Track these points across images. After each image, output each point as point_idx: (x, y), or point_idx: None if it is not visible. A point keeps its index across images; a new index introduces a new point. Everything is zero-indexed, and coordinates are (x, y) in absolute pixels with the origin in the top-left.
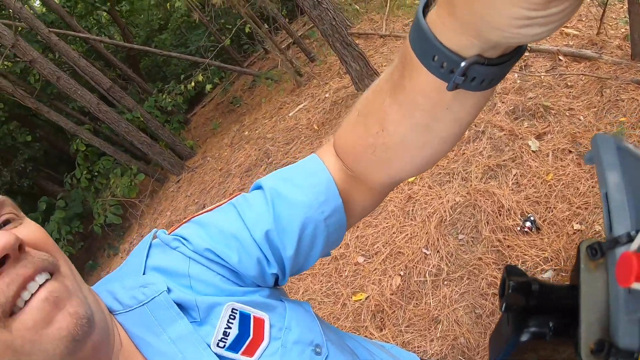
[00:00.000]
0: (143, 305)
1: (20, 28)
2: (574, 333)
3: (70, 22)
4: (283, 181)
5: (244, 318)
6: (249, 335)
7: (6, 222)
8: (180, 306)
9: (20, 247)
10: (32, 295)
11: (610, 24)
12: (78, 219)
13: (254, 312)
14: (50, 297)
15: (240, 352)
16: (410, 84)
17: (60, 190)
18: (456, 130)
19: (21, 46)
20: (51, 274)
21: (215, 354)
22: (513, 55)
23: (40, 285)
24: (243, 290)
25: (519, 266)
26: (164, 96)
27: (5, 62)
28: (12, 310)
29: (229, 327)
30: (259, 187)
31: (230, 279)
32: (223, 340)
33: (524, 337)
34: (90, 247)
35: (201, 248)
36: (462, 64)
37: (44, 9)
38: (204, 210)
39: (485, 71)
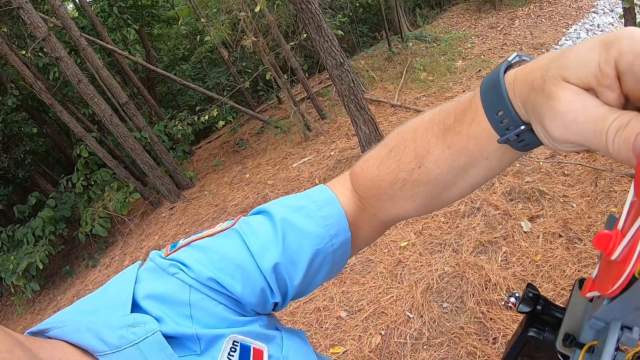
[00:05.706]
0: (133, 345)
1: (52, 25)
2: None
3: (100, 32)
4: (294, 210)
5: (245, 350)
6: None
7: None
8: (178, 339)
9: None
10: None
11: None
12: (65, 222)
13: (253, 344)
14: None
15: None
16: (468, 129)
17: (52, 189)
18: (484, 178)
19: (52, 41)
20: None
21: None
22: None
23: None
24: (244, 320)
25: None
26: (176, 123)
27: (28, 54)
28: None
29: None
30: (262, 212)
31: (233, 308)
32: None
33: (530, 333)
34: (70, 252)
35: (204, 277)
36: (522, 127)
37: (76, 14)
38: (204, 234)
39: (535, 138)
